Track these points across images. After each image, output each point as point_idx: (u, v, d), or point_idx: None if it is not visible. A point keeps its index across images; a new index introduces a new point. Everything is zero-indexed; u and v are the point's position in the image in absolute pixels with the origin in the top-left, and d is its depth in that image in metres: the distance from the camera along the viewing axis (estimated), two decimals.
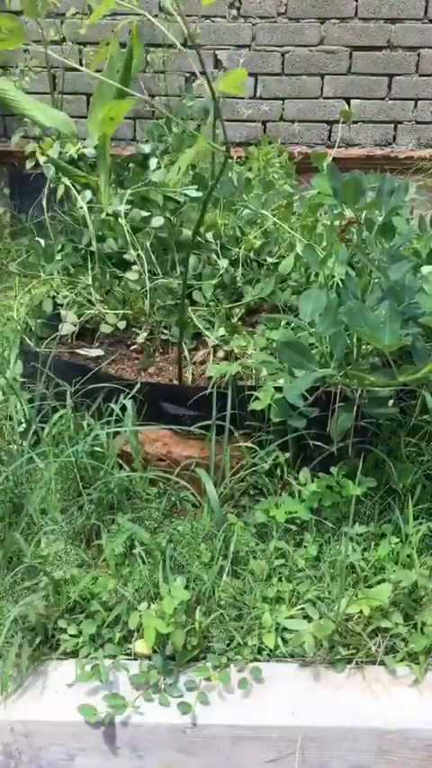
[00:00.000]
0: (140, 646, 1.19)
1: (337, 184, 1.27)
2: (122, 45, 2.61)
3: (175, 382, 1.60)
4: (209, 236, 1.78)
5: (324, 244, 1.66)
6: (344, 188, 1.26)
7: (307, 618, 1.23)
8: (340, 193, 1.26)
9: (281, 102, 2.90)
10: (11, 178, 2.79)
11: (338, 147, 2.88)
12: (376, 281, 1.36)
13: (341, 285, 1.40)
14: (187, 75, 2.84)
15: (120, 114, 1.04)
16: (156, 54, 2.71)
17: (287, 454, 1.42)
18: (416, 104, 2.90)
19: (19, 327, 1.74)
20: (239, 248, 1.75)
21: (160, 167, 1.74)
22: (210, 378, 1.52)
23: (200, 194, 1.59)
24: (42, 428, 1.45)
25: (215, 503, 1.33)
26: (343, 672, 1.19)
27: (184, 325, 1.60)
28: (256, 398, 1.42)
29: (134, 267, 1.69)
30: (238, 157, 2.51)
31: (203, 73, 1.18)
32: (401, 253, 1.41)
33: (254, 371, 1.52)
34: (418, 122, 2.91)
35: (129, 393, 1.46)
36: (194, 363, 1.64)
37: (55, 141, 1.97)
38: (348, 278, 1.34)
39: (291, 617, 1.23)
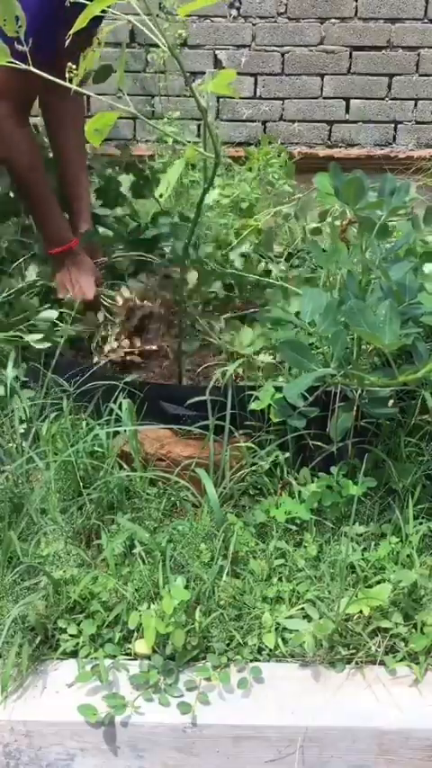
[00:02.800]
0: (140, 646, 1.19)
1: (339, 184, 1.27)
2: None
3: (175, 382, 1.60)
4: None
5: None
6: (345, 188, 1.26)
7: (307, 618, 1.23)
8: (342, 193, 1.26)
9: (281, 102, 2.90)
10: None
11: (338, 146, 2.88)
12: (376, 280, 1.36)
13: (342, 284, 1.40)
14: (187, 74, 2.84)
15: (106, 126, 1.04)
16: (156, 54, 2.71)
17: (287, 454, 1.42)
18: (416, 104, 2.90)
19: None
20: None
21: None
22: (210, 377, 1.52)
23: None
24: (46, 427, 1.45)
25: (215, 503, 1.33)
26: (343, 672, 1.19)
27: (183, 324, 1.60)
28: (256, 398, 1.42)
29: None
30: (238, 158, 2.51)
31: (190, 84, 1.19)
32: (400, 253, 1.41)
33: (254, 371, 1.52)
34: (417, 122, 2.91)
35: (130, 393, 1.46)
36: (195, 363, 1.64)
37: None
38: (348, 277, 1.34)
39: (291, 617, 1.23)
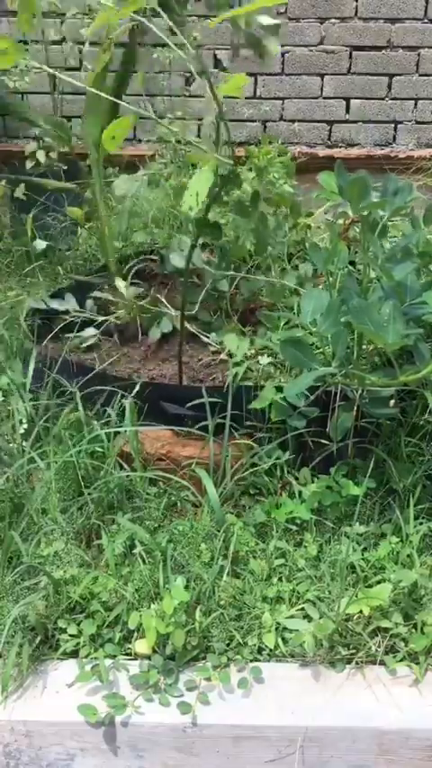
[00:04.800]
0: (141, 645, 1.19)
1: (343, 183, 1.26)
2: (123, 45, 2.61)
3: (176, 382, 1.60)
4: None
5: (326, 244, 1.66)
6: (349, 187, 1.25)
7: (307, 618, 1.23)
8: (345, 193, 1.26)
9: (281, 101, 2.90)
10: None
11: (338, 146, 2.88)
12: (377, 280, 1.36)
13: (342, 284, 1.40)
14: (188, 74, 2.84)
15: (122, 133, 1.03)
16: (162, 53, 2.71)
17: (287, 454, 1.42)
18: (416, 104, 2.90)
19: (25, 327, 1.73)
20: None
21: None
22: (210, 377, 1.52)
23: None
24: (47, 428, 1.45)
25: (215, 502, 1.32)
26: (343, 671, 1.19)
27: (184, 325, 1.60)
28: (257, 398, 1.42)
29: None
30: (238, 158, 2.51)
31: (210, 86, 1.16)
32: (401, 253, 1.40)
33: (255, 371, 1.52)
34: (417, 122, 2.91)
35: (129, 393, 1.46)
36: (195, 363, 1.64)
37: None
38: (350, 277, 1.34)
39: (291, 617, 1.23)
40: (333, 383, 1.35)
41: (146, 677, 1.16)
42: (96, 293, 1.76)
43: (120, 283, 1.68)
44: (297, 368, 1.41)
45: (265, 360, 1.52)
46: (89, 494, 1.37)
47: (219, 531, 1.30)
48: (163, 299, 1.75)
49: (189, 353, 1.66)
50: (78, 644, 1.20)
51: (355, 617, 1.21)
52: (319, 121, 2.92)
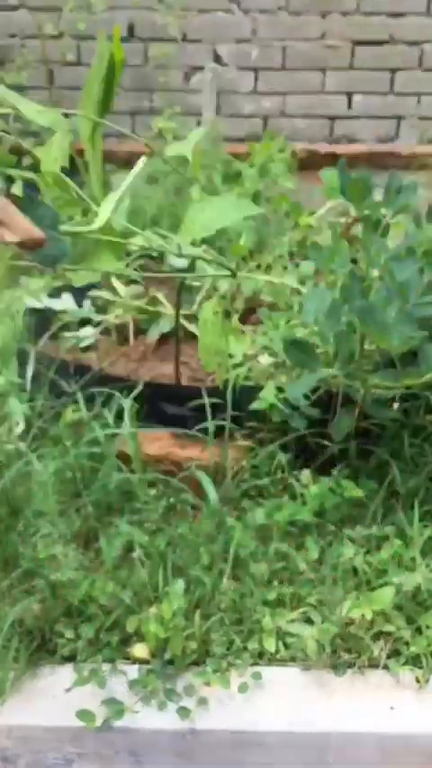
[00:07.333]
0: (139, 650, 1.18)
1: (345, 182, 1.24)
2: (123, 40, 2.59)
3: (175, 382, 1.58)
4: None
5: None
6: (350, 186, 1.23)
7: (308, 621, 1.22)
8: (347, 192, 1.24)
9: (282, 97, 2.88)
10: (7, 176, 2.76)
11: (340, 142, 2.85)
12: (380, 279, 1.34)
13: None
14: (186, 70, 2.82)
15: None
16: (160, 48, 2.69)
17: (288, 455, 1.41)
18: (419, 99, 2.88)
19: (22, 326, 1.71)
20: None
21: None
22: (210, 377, 1.50)
23: None
24: (44, 429, 1.43)
25: (215, 504, 1.31)
26: (345, 676, 1.18)
27: (179, 323, 1.58)
28: (258, 398, 1.40)
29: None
30: (238, 154, 2.49)
31: None
32: (404, 251, 1.38)
33: (256, 371, 1.50)
34: (421, 118, 2.89)
35: (128, 393, 1.44)
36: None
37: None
38: (354, 277, 1.32)
39: (292, 620, 1.22)
40: (335, 384, 1.34)
41: (145, 682, 1.14)
42: (94, 292, 1.74)
43: (118, 282, 1.67)
44: (299, 369, 1.40)
45: (265, 359, 1.50)
46: (87, 496, 1.35)
47: (218, 534, 1.29)
48: (162, 299, 1.73)
49: (189, 353, 1.64)
50: (76, 648, 1.19)
51: (357, 621, 1.19)
52: (320, 117, 2.90)
